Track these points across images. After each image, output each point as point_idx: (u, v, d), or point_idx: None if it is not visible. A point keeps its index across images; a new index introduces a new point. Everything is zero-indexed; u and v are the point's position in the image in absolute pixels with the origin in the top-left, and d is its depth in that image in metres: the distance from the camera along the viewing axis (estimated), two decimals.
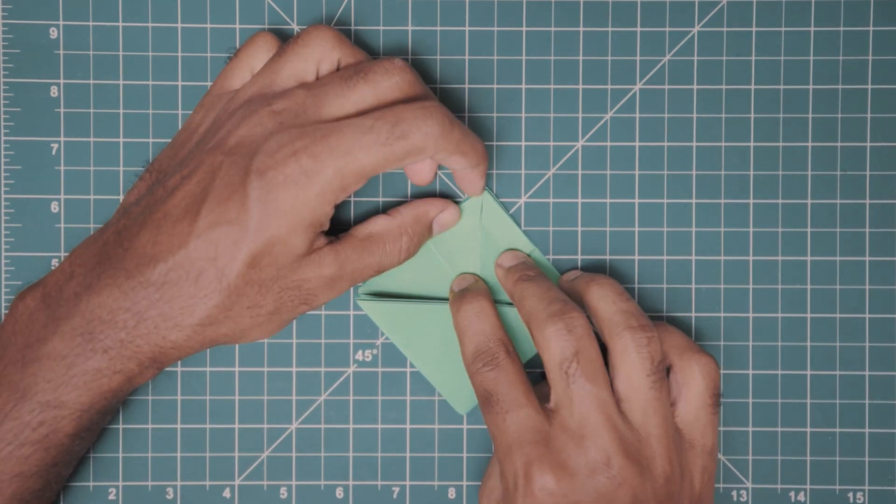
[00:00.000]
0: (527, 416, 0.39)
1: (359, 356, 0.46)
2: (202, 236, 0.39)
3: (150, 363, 0.40)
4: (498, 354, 0.40)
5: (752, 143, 0.46)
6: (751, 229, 0.46)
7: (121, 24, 0.45)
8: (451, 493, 0.46)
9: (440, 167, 0.45)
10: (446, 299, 0.45)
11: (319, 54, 0.41)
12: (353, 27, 0.46)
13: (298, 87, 0.40)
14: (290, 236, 0.39)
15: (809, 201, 0.46)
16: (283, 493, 0.46)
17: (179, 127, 0.45)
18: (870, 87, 0.46)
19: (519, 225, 0.46)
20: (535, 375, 0.46)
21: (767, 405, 0.46)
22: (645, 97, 0.46)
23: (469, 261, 0.45)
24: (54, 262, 0.45)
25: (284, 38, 0.46)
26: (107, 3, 0.45)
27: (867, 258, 0.46)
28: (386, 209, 0.44)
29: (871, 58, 0.46)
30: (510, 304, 0.45)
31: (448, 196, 0.46)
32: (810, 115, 0.46)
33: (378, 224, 0.42)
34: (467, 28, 0.46)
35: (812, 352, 0.46)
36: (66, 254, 0.45)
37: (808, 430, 0.46)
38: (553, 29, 0.46)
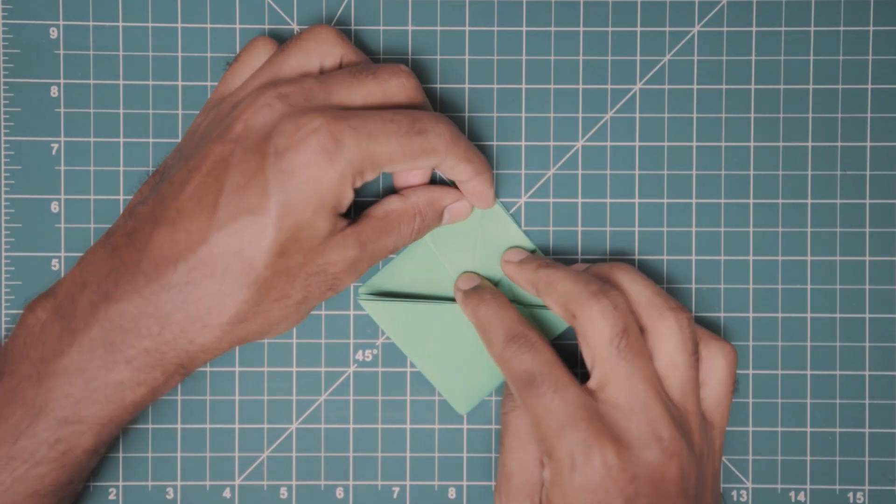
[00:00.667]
0: (575, 394, 0.39)
1: (359, 356, 0.46)
2: (224, 229, 0.37)
3: (176, 370, 0.39)
4: (531, 336, 0.40)
5: (752, 143, 0.46)
6: (751, 229, 0.46)
7: (121, 24, 0.45)
8: (451, 493, 0.46)
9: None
10: (447, 299, 0.45)
11: (323, 50, 0.41)
12: (353, 27, 0.46)
13: (305, 75, 0.40)
14: (314, 219, 0.38)
15: (809, 201, 0.46)
16: (283, 493, 0.46)
17: (180, 127, 0.45)
18: (870, 87, 0.46)
19: (519, 225, 0.46)
20: None
21: (767, 405, 0.46)
22: (645, 97, 0.46)
23: (469, 260, 0.45)
24: (54, 263, 0.45)
25: (284, 40, 0.46)
26: (107, 3, 0.45)
27: (867, 258, 0.46)
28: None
29: (871, 58, 0.46)
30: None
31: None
32: (810, 115, 0.46)
33: (393, 204, 0.42)
34: (467, 28, 0.46)
35: (812, 352, 0.46)
36: (67, 254, 0.45)
37: (808, 430, 0.46)
38: (553, 29, 0.46)
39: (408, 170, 0.40)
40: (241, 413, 0.46)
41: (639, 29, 0.46)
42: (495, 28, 0.46)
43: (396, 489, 0.46)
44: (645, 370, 0.39)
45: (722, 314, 0.46)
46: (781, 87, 0.46)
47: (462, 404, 0.46)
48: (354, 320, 0.46)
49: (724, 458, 0.46)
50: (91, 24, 0.45)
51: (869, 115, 0.46)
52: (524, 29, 0.46)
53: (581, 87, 0.46)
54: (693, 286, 0.46)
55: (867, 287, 0.46)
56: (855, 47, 0.46)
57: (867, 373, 0.46)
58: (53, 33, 0.45)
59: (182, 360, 0.39)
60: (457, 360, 0.45)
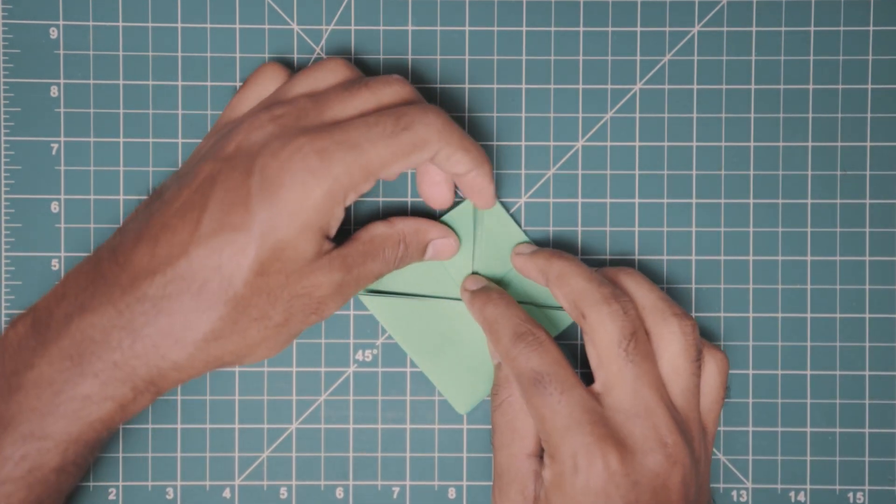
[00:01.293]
0: (581, 396, 0.39)
1: (359, 356, 0.46)
2: (204, 244, 0.37)
3: (146, 387, 0.38)
4: (539, 335, 0.40)
5: (752, 143, 0.46)
6: (751, 229, 0.46)
7: (121, 24, 0.45)
8: (451, 493, 0.46)
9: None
10: (447, 298, 0.45)
11: (332, 79, 0.41)
12: (353, 27, 0.46)
13: (300, 95, 0.40)
14: (298, 240, 0.37)
15: (809, 201, 0.46)
16: (283, 493, 0.46)
17: (180, 127, 0.45)
18: (870, 87, 0.46)
19: (519, 224, 0.46)
20: None
21: (767, 405, 0.46)
22: (645, 97, 0.46)
23: (470, 260, 0.45)
24: (54, 263, 0.45)
25: (283, 39, 0.46)
26: (107, 3, 0.45)
27: (867, 258, 0.46)
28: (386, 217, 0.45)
29: (871, 58, 0.46)
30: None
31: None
32: (810, 115, 0.46)
33: (378, 229, 0.42)
34: (467, 28, 0.46)
35: (812, 352, 0.46)
36: (67, 254, 0.45)
37: (808, 430, 0.46)
38: (553, 29, 0.46)
39: (406, 169, 0.39)
40: (241, 413, 0.46)
41: (639, 29, 0.46)
42: (495, 28, 0.46)
43: (396, 489, 0.46)
44: (650, 375, 0.39)
45: (722, 314, 0.46)
46: (781, 87, 0.46)
47: (462, 404, 0.46)
48: (354, 320, 0.46)
49: (724, 458, 0.46)
50: (91, 24, 0.45)
51: (869, 115, 0.46)
52: (524, 29, 0.46)
53: (581, 87, 0.46)
54: (693, 286, 0.46)
55: (867, 287, 0.46)
56: (855, 47, 0.46)
57: (867, 373, 0.46)
58: (53, 33, 0.45)
59: (153, 377, 0.38)
60: (457, 359, 0.45)
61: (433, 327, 0.45)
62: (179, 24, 0.46)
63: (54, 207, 0.45)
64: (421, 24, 0.46)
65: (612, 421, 0.38)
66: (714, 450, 0.46)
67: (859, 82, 0.46)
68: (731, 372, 0.46)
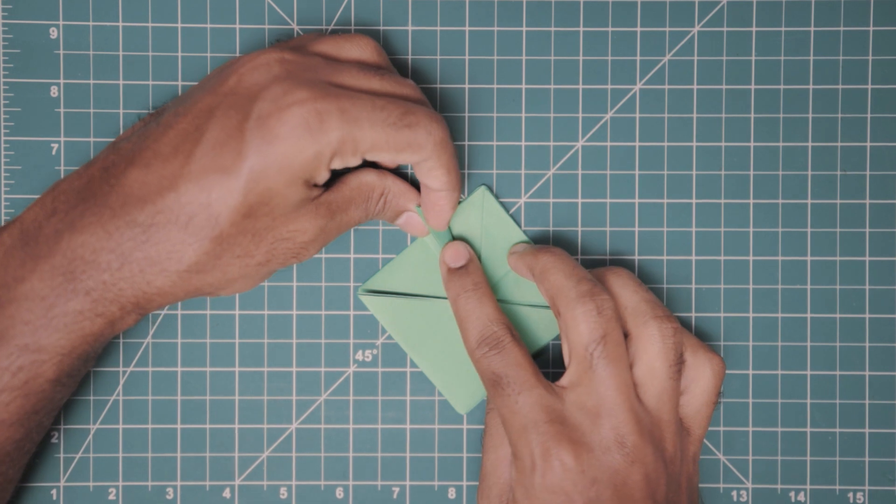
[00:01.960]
0: (539, 395, 0.39)
1: (359, 356, 0.46)
2: (193, 181, 0.37)
3: (133, 308, 0.39)
4: (503, 338, 0.41)
5: (752, 143, 0.46)
6: (751, 229, 0.46)
7: (121, 24, 0.45)
8: (451, 493, 0.46)
9: None
10: (446, 298, 0.45)
11: (357, 54, 0.41)
12: (353, 27, 0.46)
13: (317, 53, 0.40)
14: (286, 189, 0.38)
15: (809, 201, 0.46)
16: (283, 493, 0.46)
17: None
18: (870, 87, 0.46)
19: (519, 224, 0.46)
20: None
21: (767, 405, 0.46)
22: (645, 97, 0.46)
23: None
24: None
25: (284, 39, 0.46)
26: (107, 3, 0.45)
27: (867, 258, 0.46)
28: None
29: (871, 58, 0.46)
30: (509, 302, 0.45)
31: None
32: (810, 115, 0.46)
33: (368, 176, 0.42)
34: (467, 28, 0.46)
35: (812, 352, 0.46)
36: None
37: (808, 430, 0.46)
38: (553, 29, 0.46)
39: (393, 162, 0.40)
40: (241, 413, 0.46)
41: (639, 29, 0.46)
42: (495, 28, 0.46)
43: (396, 489, 0.46)
44: (618, 377, 0.39)
45: (722, 314, 0.46)
46: (781, 87, 0.46)
47: (462, 404, 0.46)
48: (354, 320, 0.46)
49: (724, 459, 0.46)
50: (91, 24, 0.45)
51: (869, 115, 0.46)
52: (524, 29, 0.46)
53: (581, 87, 0.46)
54: (693, 286, 0.46)
55: (867, 287, 0.46)
56: (855, 47, 0.46)
57: (867, 373, 0.46)
58: (53, 33, 0.45)
59: (138, 300, 0.39)
60: (457, 359, 0.45)
61: (433, 327, 0.45)
62: (179, 24, 0.46)
63: None
64: (421, 24, 0.46)
65: (572, 419, 0.39)
66: (714, 450, 0.46)
67: (859, 82, 0.46)
68: (731, 372, 0.46)
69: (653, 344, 0.40)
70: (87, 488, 0.45)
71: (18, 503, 0.45)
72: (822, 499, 0.46)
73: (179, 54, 0.45)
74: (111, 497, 0.45)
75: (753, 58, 0.46)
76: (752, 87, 0.46)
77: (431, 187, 0.42)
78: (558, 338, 0.46)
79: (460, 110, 0.46)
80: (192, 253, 0.38)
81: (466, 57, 0.46)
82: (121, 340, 0.45)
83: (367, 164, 0.43)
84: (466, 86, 0.46)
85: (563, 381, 0.40)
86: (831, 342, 0.46)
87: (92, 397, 0.45)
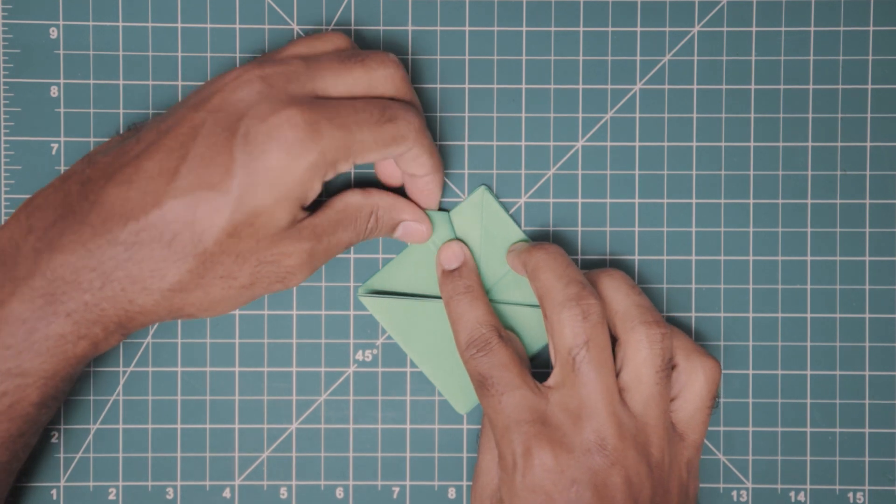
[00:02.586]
0: (522, 396, 0.39)
1: (359, 356, 0.46)
2: (179, 198, 0.37)
3: (116, 328, 0.39)
4: (490, 340, 0.41)
5: (752, 143, 0.46)
6: (751, 229, 0.46)
7: (121, 24, 0.45)
8: (451, 493, 0.46)
9: None
10: None
11: (329, 47, 0.41)
12: (353, 27, 0.46)
13: (294, 57, 0.40)
14: (274, 208, 0.38)
15: (809, 201, 0.46)
16: (283, 493, 0.46)
17: None
18: (870, 87, 0.46)
19: (519, 224, 0.46)
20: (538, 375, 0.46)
21: (767, 405, 0.46)
22: (645, 97, 0.46)
23: None
24: None
25: (283, 39, 0.46)
26: (107, 3, 0.45)
27: (867, 258, 0.46)
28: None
29: (871, 58, 0.46)
30: (509, 303, 0.45)
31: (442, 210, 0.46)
32: (810, 115, 0.46)
33: (353, 198, 0.41)
34: (467, 28, 0.46)
35: (812, 352, 0.46)
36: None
37: (808, 430, 0.46)
38: (553, 29, 0.46)
39: (380, 159, 0.40)
40: (241, 413, 0.46)
41: (639, 29, 0.46)
42: (495, 28, 0.46)
43: (396, 489, 0.46)
44: (600, 382, 0.39)
45: (722, 314, 0.46)
46: (781, 87, 0.46)
47: (462, 404, 0.46)
48: (354, 320, 0.46)
49: (724, 459, 0.46)
50: (91, 24, 0.45)
51: (869, 115, 0.46)
52: (524, 29, 0.46)
53: (581, 87, 0.46)
54: (693, 286, 0.46)
55: (867, 287, 0.46)
56: (855, 47, 0.46)
57: (867, 373, 0.46)
58: (53, 33, 0.45)
59: (121, 319, 0.38)
60: (457, 359, 0.45)
61: (433, 328, 0.45)
62: (179, 24, 0.46)
63: None
64: (421, 24, 0.46)
65: (554, 419, 0.39)
66: (714, 450, 0.46)
67: (859, 82, 0.46)
68: (731, 372, 0.46)
69: (640, 350, 0.39)
70: (87, 488, 0.45)
71: (18, 503, 0.45)
72: (822, 499, 0.46)
73: (179, 54, 0.45)
74: (111, 497, 0.45)
75: (753, 58, 0.46)
76: (752, 87, 0.46)
77: (418, 174, 0.42)
78: None
79: (460, 110, 0.46)
80: (175, 271, 0.37)
81: (466, 57, 0.46)
82: None
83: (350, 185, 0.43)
84: (466, 86, 0.46)
85: (550, 381, 0.40)
86: (831, 342, 0.46)
87: (92, 397, 0.45)
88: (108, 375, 0.45)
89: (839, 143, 0.46)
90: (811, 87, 0.46)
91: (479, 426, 0.46)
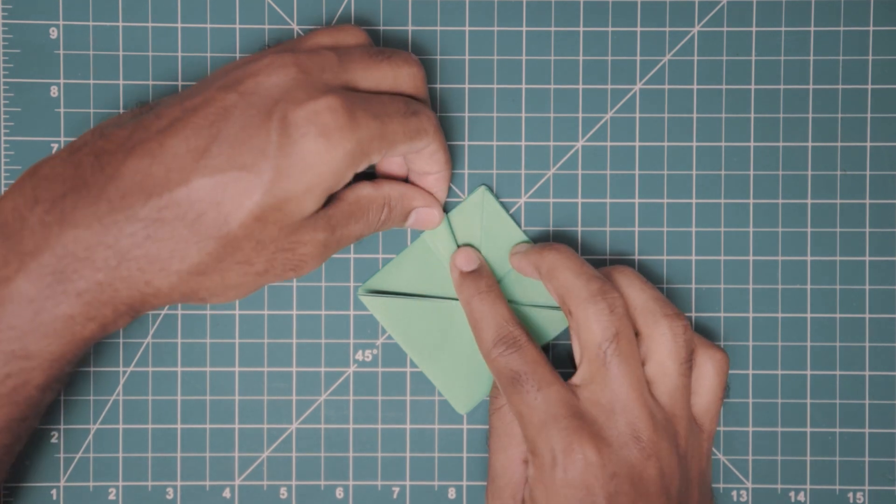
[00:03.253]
0: (557, 391, 0.39)
1: (359, 356, 0.46)
2: (208, 176, 0.35)
3: (127, 310, 0.37)
4: (519, 337, 0.41)
5: (752, 143, 0.46)
6: (751, 229, 0.46)
7: (121, 24, 0.45)
8: (451, 493, 0.46)
9: None
10: (446, 298, 0.45)
11: (353, 41, 0.41)
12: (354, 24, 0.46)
13: (325, 47, 0.40)
14: (304, 195, 0.37)
15: (809, 201, 0.46)
16: (283, 493, 0.46)
17: None
18: (870, 87, 0.46)
19: (519, 224, 0.46)
20: None
21: (767, 405, 0.46)
22: (645, 97, 0.46)
23: None
24: None
25: (284, 39, 0.46)
26: (107, 3, 0.45)
27: (867, 258, 0.46)
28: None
29: (871, 58, 0.46)
30: (510, 302, 0.45)
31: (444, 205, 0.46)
32: (810, 115, 0.46)
33: (364, 189, 0.41)
34: (467, 28, 0.46)
35: (812, 352, 0.46)
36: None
37: (808, 430, 0.46)
38: (553, 29, 0.46)
39: (404, 153, 0.40)
40: (241, 413, 0.46)
41: (639, 29, 0.46)
42: (495, 28, 0.46)
43: (396, 489, 0.46)
44: (630, 374, 0.39)
45: (722, 314, 0.46)
46: (781, 87, 0.46)
47: (462, 404, 0.46)
48: (354, 320, 0.46)
49: (724, 458, 0.46)
50: (91, 24, 0.45)
51: (869, 115, 0.46)
52: (524, 29, 0.46)
53: (581, 87, 0.46)
54: (693, 286, 0.46)
55: (867, 287, 0.46)
56: (855, 47, 0.46)
57: (867, 373, 0.46)
58: (53, 33, 0.45)
59: (133, 301, 0.37)
60: (457, 359, 0.45)
61: (433, 327, 0.45)
62: (179, 24, 0.46)
63: None
64: (421, 24, 0.46)
65: (589, 414, 0.39)
66: (714, 450, 0.46)
67: (859, 82, 0.46)
68: (731, 372, 0.46)
69: (664, 342, 0.40)
70: (87, 488, 0.45)
71: (18, 503, 0.45)
72: (822, 499, 0.46)
73: (179, 54, 0.45)
74: (111, 497, 0.45)
75: (753, 58, 0.46)
76: (752, 87, 0.46)
77: (431, 171, 0.42)
78: (559, 337, 0.46)
79: (460, 110, 0.46)
80: (195, 253, 0.36)
81: (466, 57, 0.46)
82: (121, 340, 0.45)
83: (360, 177, 0.42)
84: (466, 86, 0.46)
85: (576, 379, 0.40)
86: (831, 342, 0.46)
87: (92, 397, 0.45)
88: (108, 375, 0.45)
89: (839, 143, 0.46)
90: (811, 87, 0.46)
91: (479, 426, 0.46)
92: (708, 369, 0.41)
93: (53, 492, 0.45)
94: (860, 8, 0.46)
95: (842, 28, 0.46)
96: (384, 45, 0.46)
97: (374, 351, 0.46)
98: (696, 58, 0.46)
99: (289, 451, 0.46)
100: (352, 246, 0.46)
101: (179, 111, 0.37)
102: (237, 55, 0.45)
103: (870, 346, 0.46)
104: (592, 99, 0.46)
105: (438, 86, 0.46)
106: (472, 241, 0.45)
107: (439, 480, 0.46)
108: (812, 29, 0.46)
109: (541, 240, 0.46)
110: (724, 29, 0.46)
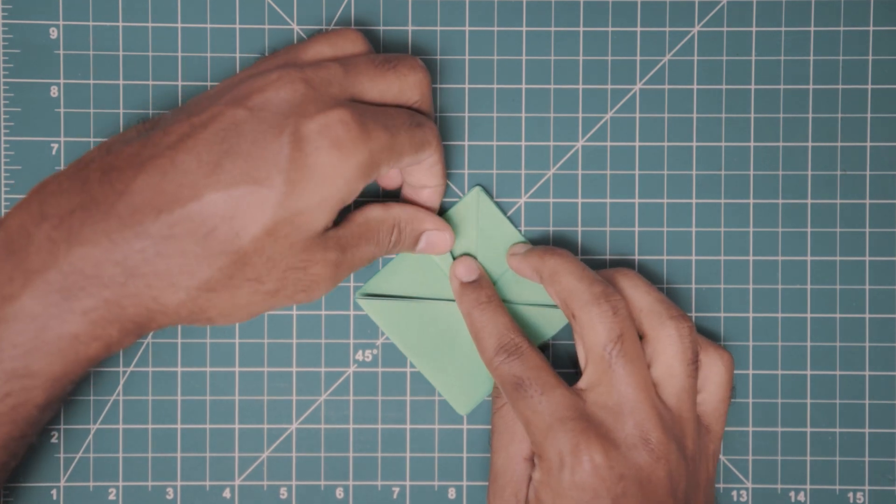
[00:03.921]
0: (562, 395, 0.39)
1: (359, 356, 0.46)
2: (221, 191, 0.35)
3: (134, 328, 0.36)
4: (521, 344, 0.41)
5: (752, 143, 0.46)
6: (751, 229, 0.46)
7: (121, 24, 0.45)
8: (451, 493, 0.46)
9: None
10: (444, 300, 0.45)
11: (353, 49, 0.41)
12: (352, 27, 0.46)
13: (330, 60, 0.39)
14: (317, 209, 0.37)
15: (809, 201, 0.46)
16: (283, 493, 0.46)
17: None
18: (870, 87, 0.46)
19: (515, 225, 0.46)
20: None
21: (767, 405, 0.46)
22: (645, 97, 0.46)
23: None
24: None
25: (283, 39, 0.46)
26: (107, 3, 0.45)
27: (867, 258, 0.46)
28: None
29: (871, 58, 0.46)
30: (507, 302, 0.45)
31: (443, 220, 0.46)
32: (810, 115, 0.46)
33: (373, 212, 0.41)
34: (467, 28, 0.46)
35: (812, 352, 0.46)
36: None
37: (808, 430, 0.46)
38: (553, 29, 0.46)
39: (409, 165, 0.40)
40: (241, 413, 0.46)
41: (639, 29, 0.46)
42: (495, 28, 0.46)
43: (396, 489, 0.46)
44: (637, 375, 0.39)
45: (722, 314, 0.46)
46: (781, 87, 0.46)
47: (462, 404, 0.45)
48: (354, 320, 0.46)
49: (724, 458, 0.46)
50: (91, 24, 0.45)
51: (869, 115, 0.46)
52: (524, 29, 0.46)
53: (581, 87, 0.46)
54: (693, 286, 0.46)
55: (867, 287, 0.46)
56: (855, 47, 0.46)
57: (867, 373, 0.46)
58: (53, 33, 0.45)
59: (141, 319, 0.36)
60: (456, 360, 0.45)
61: (431, 329, 0.45)
62: (179, 24, 0.46)
63: None
64: (421, 24, 0.46)
65: (596, 417, 0.39)
66: None
67: (859, 82, 0.46)
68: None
69: (671, 344, 0.40)
70: (87, 488, 0.45)
71: (18, 503, 0.45)
72: (822, 499, 0.46)
73: (179, 54, 0.45)
74: (111, 497, 0.45)
75: (753, 58, 0.46)
76: (752, 87, 0.46)
77: (428, 184, 0.42)
78: (558, 338, 0.46)
79: (460, 110, 0.46)
80: (206, 268, 0.36)
81: (466, 57, 0.46)
82: None
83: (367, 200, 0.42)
84: (466, 86, 0.46)
85: (581, 383, 0.40)
86: (831, 342, 0.46)
87: (92, 397, 0.45)
88: (108, 375, 0.45)
89: (839, 143, 0.46)
90: (811, 87, 0.46)
91: (479, 426, 0.46)
92: (716, 369, 0.41)
93: (53, 492, 0.45)
94: (860, 8, 0.46)
95: (842, 28, 0.46)
96: (384, 46, 0.46)
97: (374, 351, 0.46)
98: (696, 58, 0.46)
99: (289, 452, 0.46)
100: None
101: (188, 127, 0.36)
102: (237, 55, 0.45)
103: (870, 346, 0.46)
104: (592, 99, 0.46)
105: (438, 86, 0.46)
106: (468, 241, 0.45)
107: (439, 480, 0.46)
108: (812, 29, 0.46)
109: (541, 240, 0.46)
110: (724, 29, 0.46)
